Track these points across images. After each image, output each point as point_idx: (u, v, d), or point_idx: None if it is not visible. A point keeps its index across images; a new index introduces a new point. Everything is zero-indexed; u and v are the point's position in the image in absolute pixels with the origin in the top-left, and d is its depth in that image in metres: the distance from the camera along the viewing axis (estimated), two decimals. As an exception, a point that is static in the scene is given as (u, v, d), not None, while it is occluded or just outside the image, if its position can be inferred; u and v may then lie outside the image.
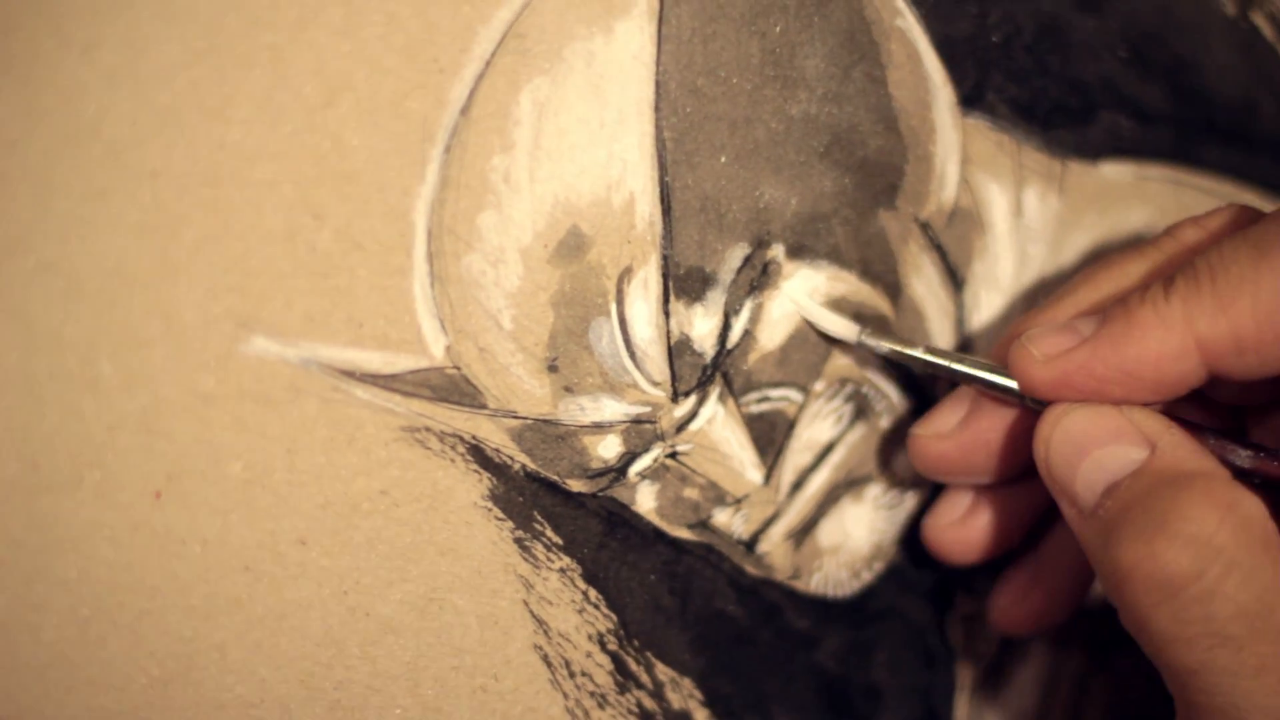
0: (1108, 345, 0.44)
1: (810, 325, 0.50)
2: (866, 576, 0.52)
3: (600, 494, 0.46)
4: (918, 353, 0.49)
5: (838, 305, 0.50)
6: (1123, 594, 0.41)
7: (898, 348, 0.49)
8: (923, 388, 0.52)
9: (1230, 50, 0.58)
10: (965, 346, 0.53)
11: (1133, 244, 0.50)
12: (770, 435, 0.49)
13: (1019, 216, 0.53)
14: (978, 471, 0.49)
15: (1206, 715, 0.40)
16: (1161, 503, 0.41)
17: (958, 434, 0.49)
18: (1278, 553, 0.40)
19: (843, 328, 0.49)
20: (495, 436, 0.44)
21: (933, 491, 0.53)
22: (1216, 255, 0.43)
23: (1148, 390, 0.44)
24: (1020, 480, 0.50)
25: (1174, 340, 0.43)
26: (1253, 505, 0.40)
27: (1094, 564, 0.43)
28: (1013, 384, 0.46)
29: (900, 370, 0.52)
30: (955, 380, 0.49)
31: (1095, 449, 0.43)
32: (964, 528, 0.51)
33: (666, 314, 0.46)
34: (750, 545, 0.49)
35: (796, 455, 0.50)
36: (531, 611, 0.45)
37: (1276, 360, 0.43)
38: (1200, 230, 0.48)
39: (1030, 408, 0.47)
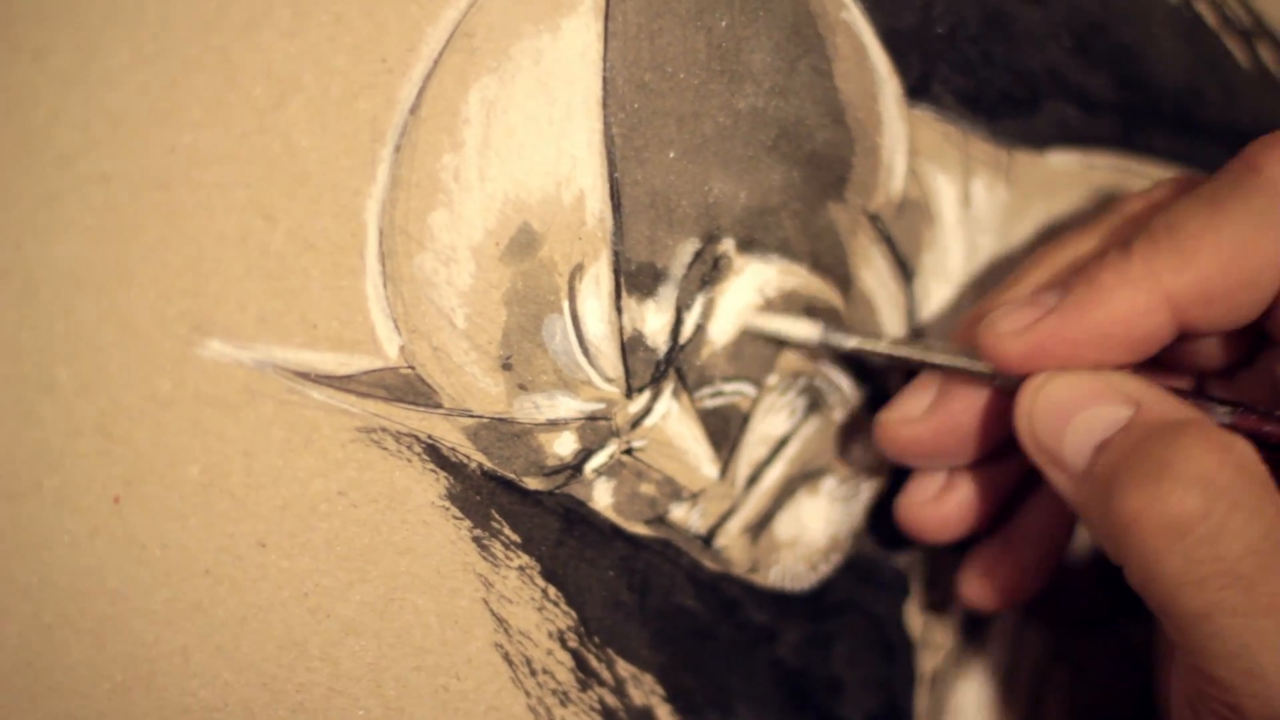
0: (1075, 311, 0.45)
1: (767, 338, 0.51)
2: (824, 569, 0.54)
3: (557, 491, 0.47)
4: (882, 346, 0.50)
5: (789, 299, 0.51)
6: (1129, 544, 0.42)
7: (862, 344, 0.50)
8: (876, 379, 0.54)
9: (1174, 38, 0.60)
10: (917, 337, 0.55)
11: (1078, 221, 0.52)
12: (725, 430, 0.51)
13: (967, 207, 0.55)
14: (949, 454, 0.51)
15: (1217, 662, 0.41)
16: (1159, 449, 0.42)
17: (927, 418, 0.50)
18: (1275, 493, 0.41)
19: (804, 330, 0.51)
20: (451, 436, 0.45)
21: (890, 483, 0.55)
22: (1172, 213, 0.45)
23: (1120, 351, 0.45)
24: (992, 459, 0.52)
25: (1140, 298, 0.44)
26: (1245, 447, 0.42)
27: (1092, 525, 0.45)
28: (982, 367, 0.48)
29: (854, 362, 0.53)
30: (921, 369, 0.51)
31: (1079, 412, 0.45)
32: (938, 506, 0.52)
33: (619, 310, 0.48)
34: (707, 540, 0.51)
35: (751, 449, 0.51)
36: (491, 610, 0.46)
37: (1245, 307, 0.44)
38: (1145, 201, 0.50)
39: (1000, 387, 0.48)
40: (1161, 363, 0.48)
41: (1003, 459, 0.51)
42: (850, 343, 0.50)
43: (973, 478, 0.52)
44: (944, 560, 0.56)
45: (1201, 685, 0.42)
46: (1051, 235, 0.57)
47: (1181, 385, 0.50)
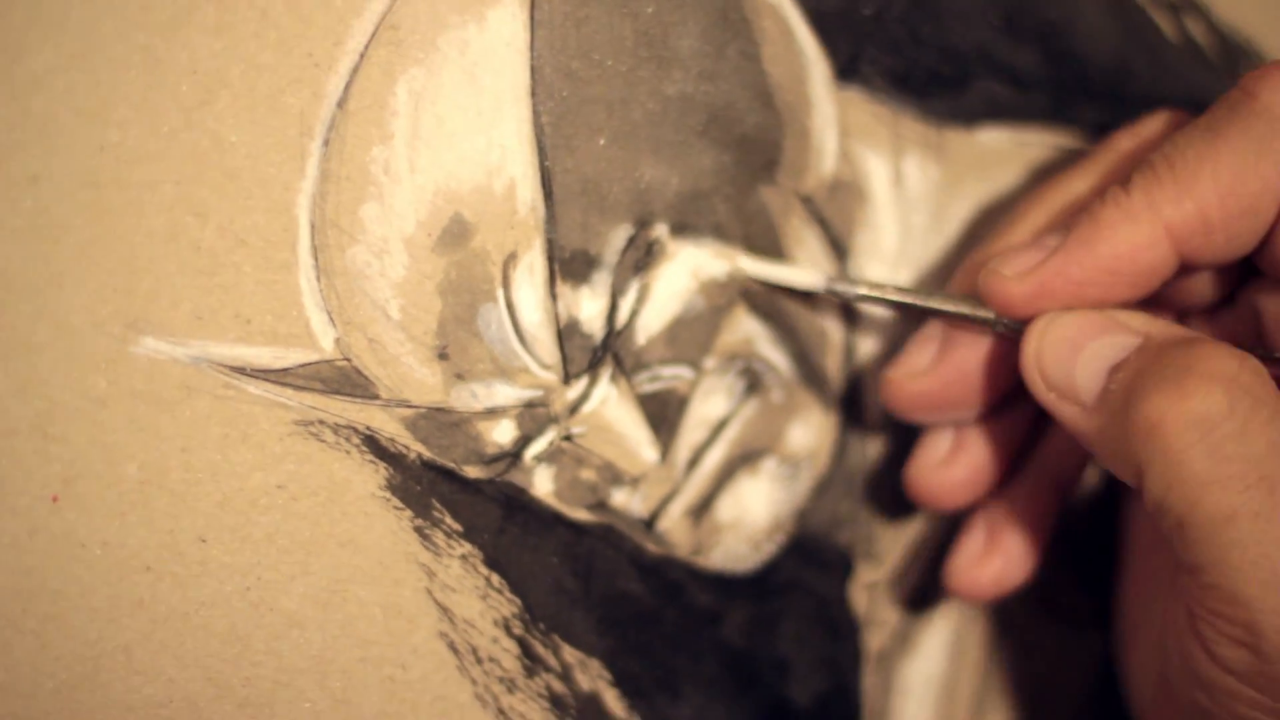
0: (1079, 249, 0.47)
1: (768, 284, 0.52)
2: (767, 549, 0.55)
3: (497, 479, 0.49)
4: (889, 294, 0.51)
5: (724, 285, 0.53)
6: (1152, 450, 0.43)
7: (870, 291, 0.52)
8: (811, 359, 0.55)
9: (1101, 12, 0.61)
10: (851, 319, 0.57)
11: (1069, 160, 0.53)
12: (664, 414, 0.52)
13: (899, 186, 0.57)
14: (957, 406, 0.52)
15: (1236, 574, 0.41)
16: (1179, 356, 0.43)
17: (933, 370, 0.52)
18: None
19: (806, 278, 0.52)
20: (389, 426, 0.47)
21: (831, 464, 0.56)
22: (1170, 145, 0.46)
23: (1125, 287, 0.47)
24: (999, 416, 0.53)
25: (1143, 231, 0.46)
26: (1254, 361, 0.43)
27: (1107, 449, 0.46)
28: (988, 313, 0.49)
29: (791, 343, 0.55)
30: (926, 317, 0.52)
31: (1089, 343, 0.46)
32: (949, 469, 0.54)
33: (554, 297, 0.49)
34: (649, 524, 0.52)
35: (691, 432, 0.53)
36: (435, 599, 0.48)
37: (1245, 234, 0.46)
38: (1135, 138, 0.51)
39: (1005, 333, 0.50)
40: (1149, 301, 0.49)
41: (1008, 413, 0.52)
42: (858, 289, 0.52)
43: (979, 437, 0.54)
44: (887, 537, 0.58)
45: (1214, 604, 0.42)
46: (994, 212, 0.58)
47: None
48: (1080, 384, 0.46)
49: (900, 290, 0.52)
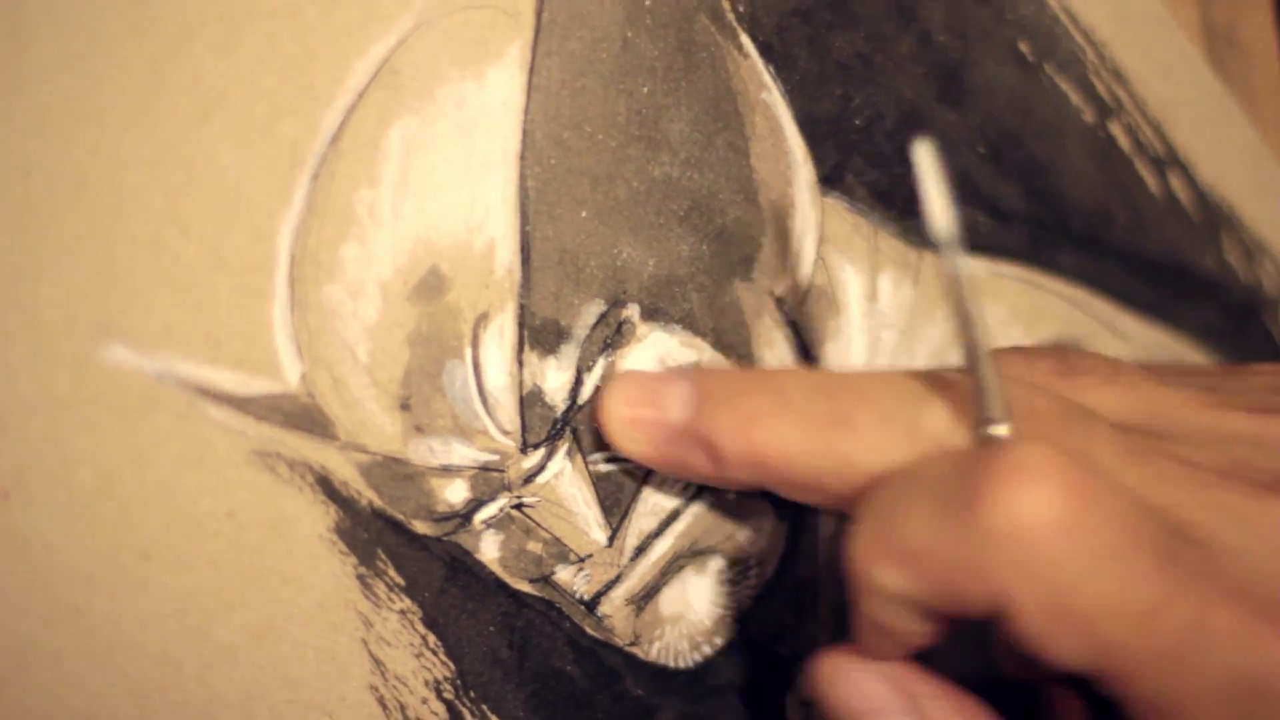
0: None
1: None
2: (707, 650, 0.57)
3: (445, 538, 0.51)
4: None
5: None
6: None
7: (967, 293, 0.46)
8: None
9: (1087, 158, 0.65)
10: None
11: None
12: (617, 496, 0.54)
13: (873, 301, 0.59)
14: None
15: None
16: None
17: None
18: None
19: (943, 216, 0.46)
20: (344, 469, 0.48)
21: (777, 573, 0.58)
22: None
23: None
24: None
25: None
26: None
27: None
28: None
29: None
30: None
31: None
32: None
33: (520, 363, 0.51)
34: (591, 606, 0.54)
35: (641, 519, 0.55)
36: (370, 651, 0.49)
37: None
38: None
39: None
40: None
41: None
42: (964, 271, 0.47)
43: None
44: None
45: None
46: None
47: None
48: None
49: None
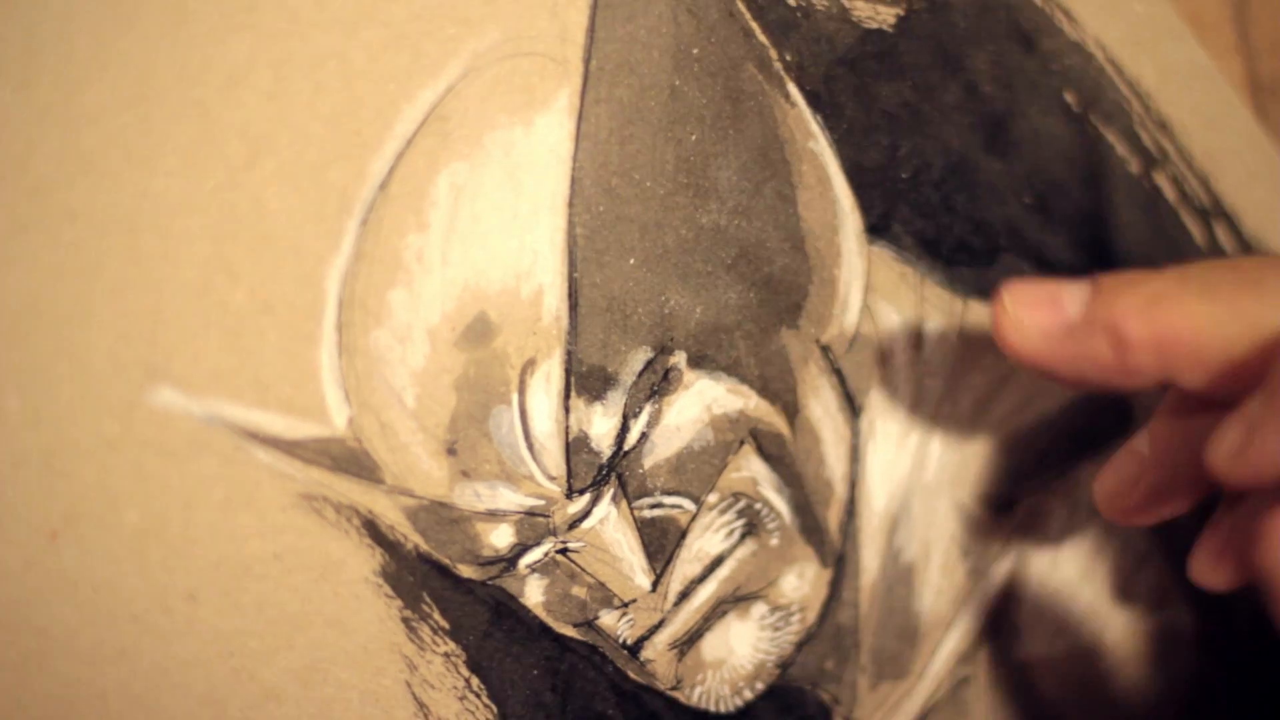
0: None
1: None
2: (748, 695, 0.56)
3: (490, 582, 0.50)
4: None
5: (735, 420, 0.54)
6: None
7: None
8: (814, 510, 0.57)
9: (1133, 207, 0.64)
10: (856, 477, 0.58)
11: None
12: (661, 542, 0.53)
13: (918, 349, 0.59)
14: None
15: None
16: None
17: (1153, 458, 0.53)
18: None
19: None
20: (390, 513, 0.48)
21: (820, 619, 0.57)
22: None
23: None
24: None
25: None
26: None
27: None
28: None
29: (795, 491, 0.56)
30: None
31: None
32: (1137, 489, 0.54)
33: (566, 409, 0.51)
34: (634, 650, 0.53)
35: (686, 565, 0.54)
36: (414, 693, 0.49)
37: None
38: None
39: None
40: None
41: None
42: None
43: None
44: (870, 700, 0.59)
45: None
46: (1008, 386, 0.60)
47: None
48: None
49: None
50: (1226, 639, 0.66)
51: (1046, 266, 0.61)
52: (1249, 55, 0.74)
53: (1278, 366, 0.44)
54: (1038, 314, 0.49)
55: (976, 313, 0.60)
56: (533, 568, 0.51)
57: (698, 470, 0.54)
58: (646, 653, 0.54)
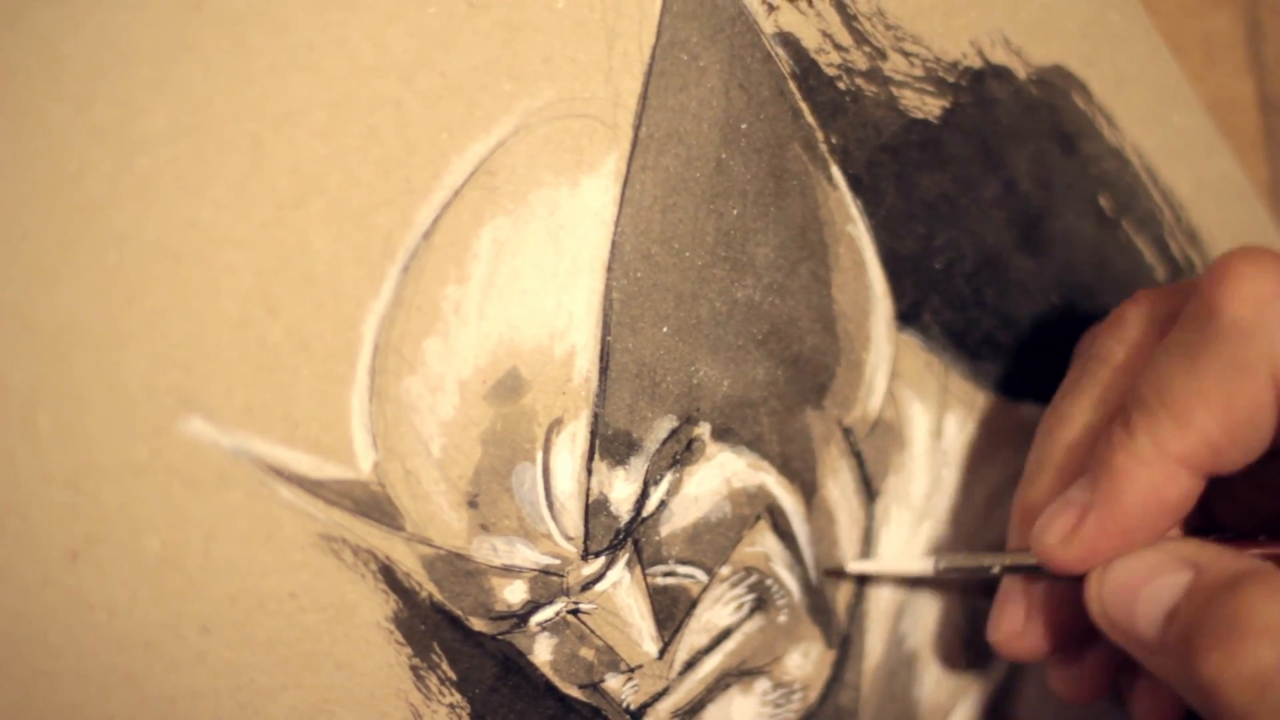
0: (1107, 505, 0.49)
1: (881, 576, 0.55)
2: (745, 770, 0.56)
3: (500, 637, 0.49)
4: (992, 566, 0.55)
5: (753, 496, 0.54)
6: (1217, 707, 0.44)
7: (971, 564, 0.55)
8: (823, 591, 0.56)
9: (1156, 316, 0.63)
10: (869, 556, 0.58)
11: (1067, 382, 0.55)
12: (671, 610, 0.53)
13: (938, 439, 0.58)
14: (1057, 642, 0.54)
15: None
16: (1223, 608, 0.45)
17: (1030, 627, 0.54)
18: None
19: (919, 565, 0.56)
20: (407, 560, 0.47)
21: (820, 699, 0.57)
22: (1157, 375, 0.48)
23: (1162, 519, 0.49)
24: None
25: (1158, 472, 0.48)
26: None
27: (1182, 693, 0.47)
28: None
29: (806, 570, 0.56)
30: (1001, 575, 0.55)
31: (1143, 588, 0.48)
32: (1027, 637, 0.55)
33: (589, 471, 0.50)
34: (636, 716, 0.52)
35: (693, 635, 0.53)
36: (416, 743, 0.48)
37: (1255, 443, 0.48)
38: (1118, 342, 0.53)
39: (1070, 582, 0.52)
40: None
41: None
42: (963, 566, 0.56)
43: (1050, 601, 0.55)
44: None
45: None
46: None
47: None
48: (1142, 630, 0.48)
49: (978, 558, 0.55)
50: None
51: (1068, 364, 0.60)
52: (1261, 74, 0.73)
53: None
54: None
55: (997, 407, 0.60)
56: (543, 626, 0.50)
57: (713, 542, 0.53)
58: (649, 719, 0.53)
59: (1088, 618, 0.51)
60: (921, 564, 0.55)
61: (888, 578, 0.58)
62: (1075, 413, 0.54)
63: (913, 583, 0.58)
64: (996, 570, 0.54)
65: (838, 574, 0.57)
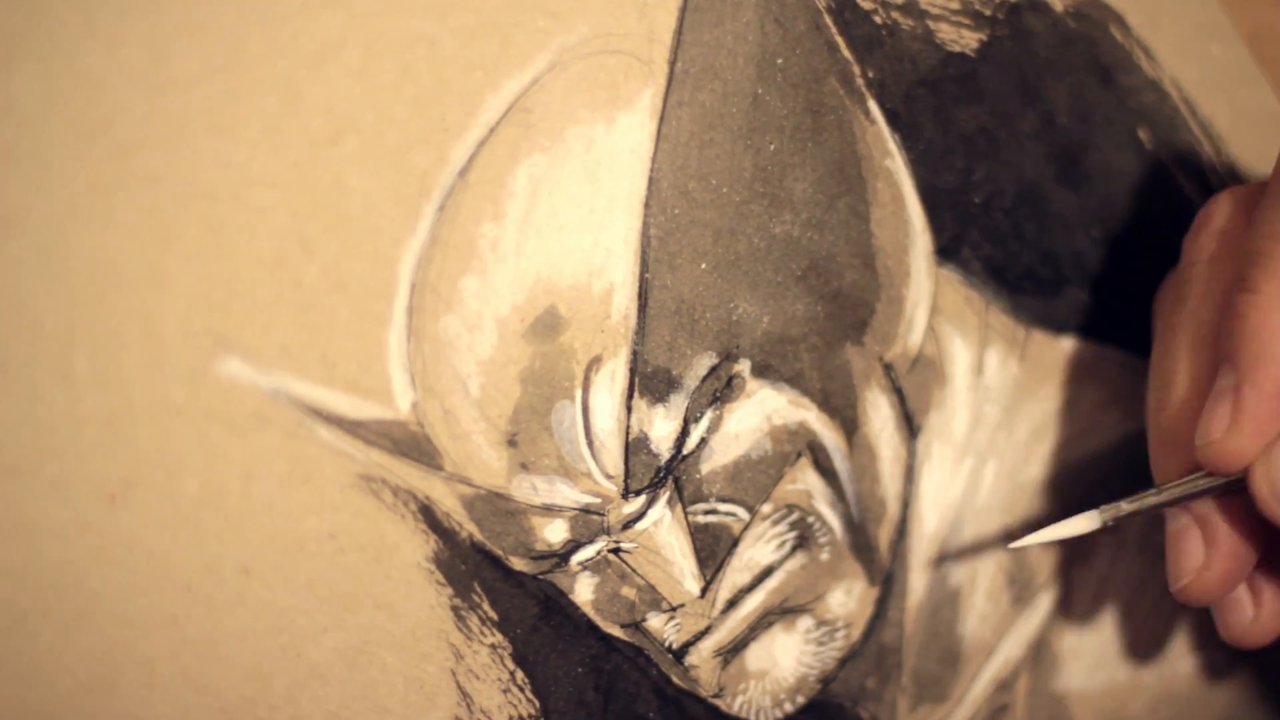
0: (1259, 371, 0.47)
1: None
2: (788, 707, 0.54)
3: (540, 576, 0.48)
4: (1159, 501, 0.52)
5: (794, 432, 0.53)
6: None
7: (1135, 506, 0.52)
8: (865, 528, 0.55)
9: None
10: (910, 497, 0.56)
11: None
12: (713, 548, 0.52)
13: (979, 375, 0.57)
14: (1243, 570, 0.52)
15: None
16: None
17: (1214, 557, 0.51)
18: None
19: (1083, 524, 0.52)
20: (447, 500, 0.46)
21: (864, 637, 0.56)
22: (1263, 229, 0.47)
23: None
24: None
25: None
26: None
27: None
28: (1218, 479, 0.50)
29: (848, 507, 0.55)
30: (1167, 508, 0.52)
31: None
32: (1209, 571, 0.52)
33: (629, 409, 0.49)
34: (679, 655, 0.52)
35: (735, 573, 0.52)
36: (458, 682, 0.47)
37: None
38: (1209, 237, 0.52)
39: (1231, 489, 0.50)
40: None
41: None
42: (1129, 510, 0.52)
43: (1226, 529, 0.52)
44: (909, 718, 0.57)
45: None
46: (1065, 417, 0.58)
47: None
48: None
49: (1141, 498, 0.52)
50: (1264, 683, 0.65)
51: (1108, 301, 0.59)
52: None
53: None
54: None
55: (1038, 342, 0.58)
56: (584, 565, 0.49)
57: (754, 479, 0.52)
58: (691, 658, 0.52)
59: (1270, 530, 0.50)
60: (1086, 522, 0.52)
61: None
62: (1185, 319, 0.52)
63: (956, 519, 0.57)
64: (1164, 501, 0.52)
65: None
